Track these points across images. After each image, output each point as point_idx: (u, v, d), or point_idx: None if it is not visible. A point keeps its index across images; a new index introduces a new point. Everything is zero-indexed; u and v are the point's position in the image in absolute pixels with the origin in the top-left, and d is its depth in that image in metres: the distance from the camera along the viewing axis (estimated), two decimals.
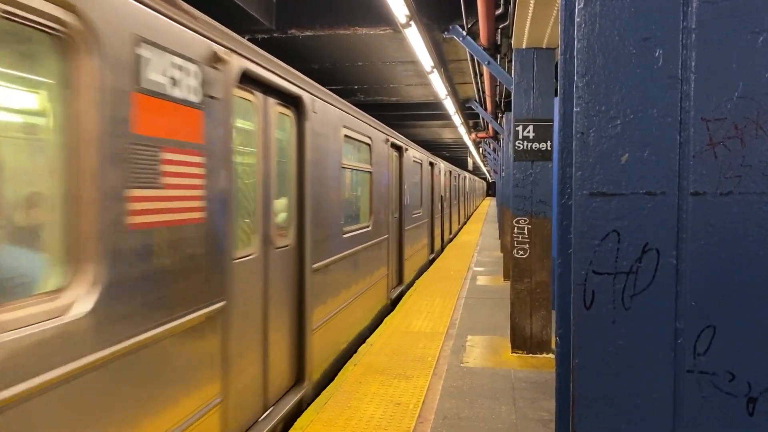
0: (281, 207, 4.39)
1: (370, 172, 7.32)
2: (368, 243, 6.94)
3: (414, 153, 10.82)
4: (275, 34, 7.57)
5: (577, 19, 1.41)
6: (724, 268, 1.36)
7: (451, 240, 19.11)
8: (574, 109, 1.43)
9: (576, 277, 1.43)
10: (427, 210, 12.89)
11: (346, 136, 5.93)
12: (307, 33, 7.58)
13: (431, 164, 13.64)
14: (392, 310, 8.12)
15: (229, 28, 3.57)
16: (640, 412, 1.41)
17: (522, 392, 4.89)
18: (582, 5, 1.41)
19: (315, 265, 4.79)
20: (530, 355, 5.98)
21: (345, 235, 5.80)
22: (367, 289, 6.94)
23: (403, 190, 9.59)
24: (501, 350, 6.16)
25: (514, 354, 6.01)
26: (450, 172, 18.84)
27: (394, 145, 8.93)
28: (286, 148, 4.52)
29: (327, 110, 5.21)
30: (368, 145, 7.15)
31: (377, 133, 7.57)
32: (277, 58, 4.36)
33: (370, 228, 7.07)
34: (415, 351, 6.08)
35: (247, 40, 4.14)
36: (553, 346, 5.91)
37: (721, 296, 1.36)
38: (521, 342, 6.03)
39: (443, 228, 16.64)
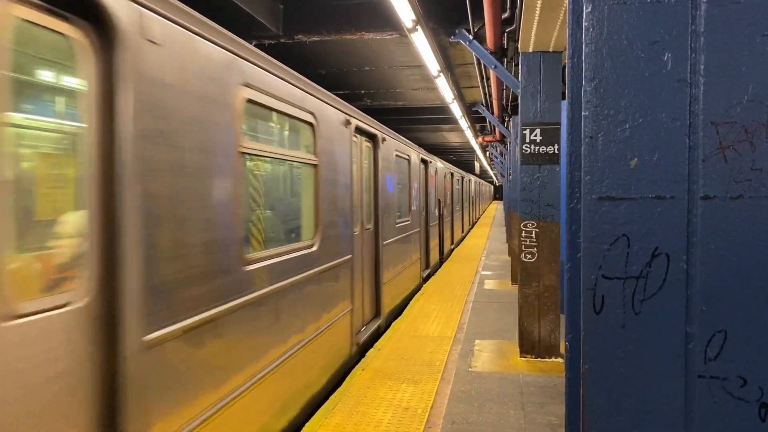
0: (67, 228, 2.29)
1: (315, 166, 4.88)
2: (311, 271, 4.68)
3: (396, 145, 8.35)
4: (282, 40, 7.62)
5: (584, 23, 1.41)
6: (735, 272, 1.35)
7: (454, 248, 17.85)
8: (583, 113, 1.43)
9: (585, 282, 1.42)
10: (418, 217, 10.42)
11: (251, 101, 3.60)
12: (314, 38, 7.62)
13: (424, 162, 11.25)
14: (360, 359, 6.08)
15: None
16: (651, 418, 1.40)
17: (530, 397, 4.87)
18: (590, 9, 1.41)
19: (150, 336, 2.52)
20: (538, 359, 5.95)
21: (250, 267, 3.55)
22: (308, 341, 4.59)
23: (378, 193, 7.31)
24: (509, 354, 6.13)
25: (522, 358, 5.98)
26: (452, 174, 17.16)
27: (362, 131, 6.44)
28: (67, 106, 2.44)
29: (193, 46, 2.92)
30: (310, 124, 4.74)
31: (326, 108, 5.08)
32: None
33: (315, 248, 4.80)
34: (423, 355, 6.07)
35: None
36: (562, 350, 5.88)
37: (732, 300, 1.35)
38: (529, 346, 6.01)
39: (443, 237, 14.36)
